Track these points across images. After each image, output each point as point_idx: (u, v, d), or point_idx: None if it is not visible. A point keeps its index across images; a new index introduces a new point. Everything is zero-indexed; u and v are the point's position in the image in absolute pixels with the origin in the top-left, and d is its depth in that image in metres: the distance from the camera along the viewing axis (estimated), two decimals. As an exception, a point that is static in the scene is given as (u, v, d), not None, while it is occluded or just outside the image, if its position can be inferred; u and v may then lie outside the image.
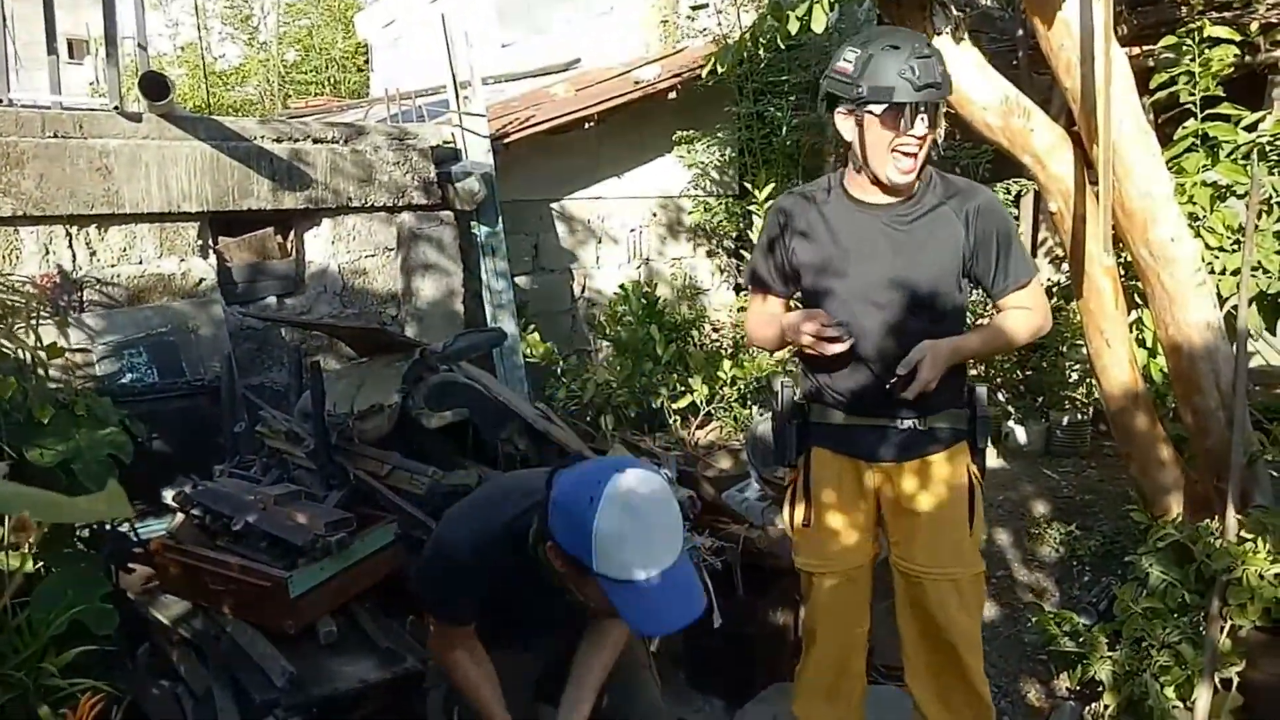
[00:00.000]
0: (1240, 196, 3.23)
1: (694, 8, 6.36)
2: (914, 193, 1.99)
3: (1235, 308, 2.77)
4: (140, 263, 3.43)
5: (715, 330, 5.73)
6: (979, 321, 3.71)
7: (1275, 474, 2.94)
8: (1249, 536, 2.42)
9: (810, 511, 2.15)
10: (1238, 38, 3.39)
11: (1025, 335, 2.08)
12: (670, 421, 4.83)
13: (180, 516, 2.65)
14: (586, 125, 5.11)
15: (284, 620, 2.36)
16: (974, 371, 2.19)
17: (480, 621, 1.71)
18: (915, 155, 1.90)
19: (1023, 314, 2.03)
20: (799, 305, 2.19)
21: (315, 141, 3.87)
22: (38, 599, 2.24)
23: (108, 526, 2.84)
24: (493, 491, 1.73)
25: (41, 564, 2.36)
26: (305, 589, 2.38)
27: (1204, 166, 3.33)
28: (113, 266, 3.36)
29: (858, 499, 2.12)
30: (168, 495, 2.79)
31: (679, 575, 1.36)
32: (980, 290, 2.12)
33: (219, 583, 2.44)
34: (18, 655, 2.11)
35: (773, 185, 5.02)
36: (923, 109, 1.85)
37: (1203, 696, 2.30)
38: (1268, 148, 3.23)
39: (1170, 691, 2.39)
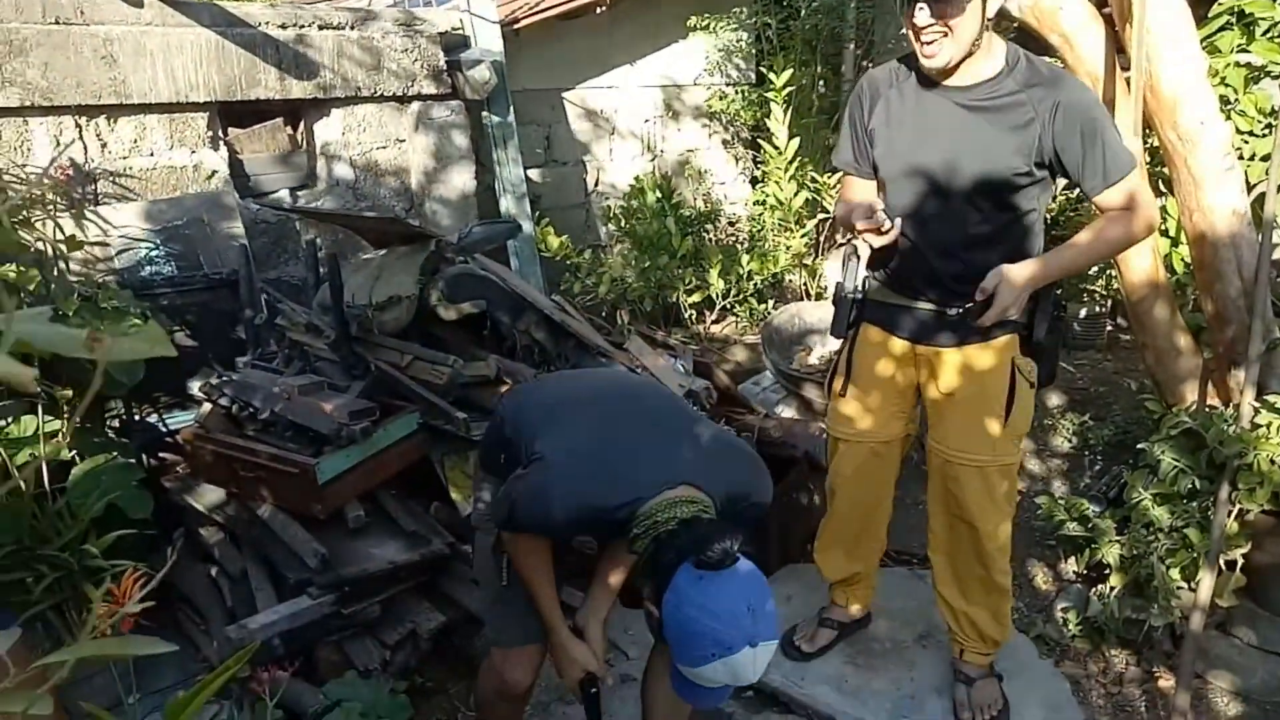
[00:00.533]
0: (1275, 77, 3.12)
1: (710, -118, 6.05)
2: (995, 76, 1.94)
3: (1264, 195, 2.72)
4: (151, 155, 3.39)
5: (731, 224, 5.66)
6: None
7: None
8: (1262, 423, 2.44)
9: (848, 383, 2.22)
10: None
11: (1122, 240, 1.96)
12: (686, 315, 4.83)
13: (208, 406, 2.71)
14: (598, 10, 4.93)
15: (313, 505, 2.43)
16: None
17: None
18: (933, 42, 1.87)
19: (1117, 221, 1.93)
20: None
21: (321, 27, 3.77)
22: (74, 485, 2.32)
23: (137, 417, 2.92)
24: (614, 458, 1.65)
25: (75, 453, 2.43)
26: (332, 475, 2.45)
27: (1239, 46, 3.21)
28: (124, 159, 3.33)
29: (897, 377, 2.17)
30: (194, 386, 2.83)
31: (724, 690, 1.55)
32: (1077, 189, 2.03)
33: (249, 470, 2.51)
34: (60, 538, 2.20)
35: (790, 72, 4.87)
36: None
37: (1207, 577, 2.36)
38: (1308, 26, 3.10)
39: (1176, 573, 2.46)
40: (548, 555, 1.76)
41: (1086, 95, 1.95)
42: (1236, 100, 3.17)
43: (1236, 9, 3.18)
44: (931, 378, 2.13)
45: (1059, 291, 2.13)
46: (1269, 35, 3.12)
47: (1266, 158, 2.90)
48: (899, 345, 2.14)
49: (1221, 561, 2.42)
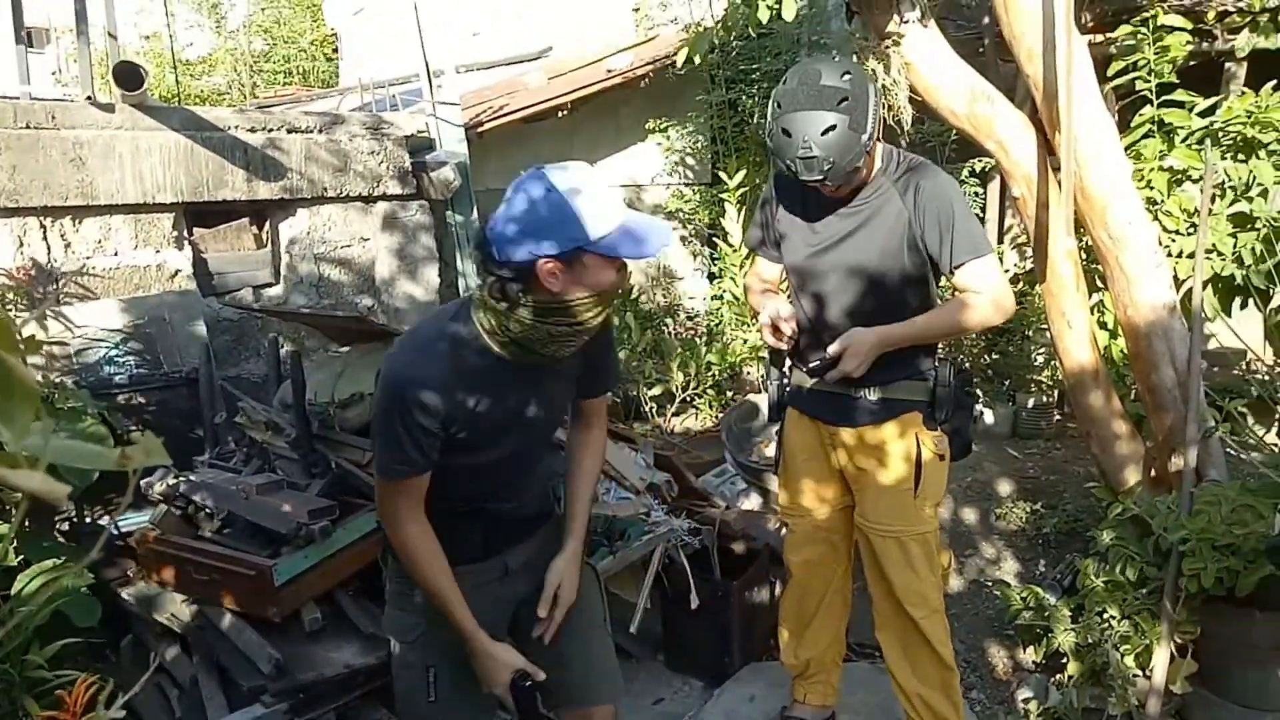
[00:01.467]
0: (1196, 181, 3.33)
1: (665, -5, 6.38)
2: (873, 175, 2.11)
3: (1191, 290, 2.86)
4: (116, 254, 3.42)
5: (690, 318, 5.78)
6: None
7: (1231, 451, 3.05)
8: (1203, 509, 2.52)
9: (781, 464, 2.39)
10: (1189, 26, 3.48)
11: (970, 319, 2.10)
12: (646, 409, 4.88)
13: (163, 508, 2.67)
14: (560, 114, 5.13)
15: (269, 608, 2.39)
16: (942, 353, 2.31)
17: (438, 467, 1.60)
18: (838, 193, 2.08)
19: (966, 299, 2.08)
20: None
21: (290, 131, 3.87)
22: (19, 592, 2.26)
23: (89, 519, 2.86)
24: (415, 326, 1.71)
25: (21, 558, 2.38)
26: (289, 577, 2.41)
27: (1161, 152, 3.43)
28: (88, 258, 3.35)
29: (820, 456, 2.31)
30: (149, 487, 2.80)
31: (640, 218, 1.50)
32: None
33: (203, 572, 2.46)
34: (2, 648, 2.13)
35: (744, 173, 5.06)
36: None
37: (1160, 663, 2.40)
38: (1220, 133, 3.33)
39: (1130, 660, 2.49)
40: (433, 537, 1.63)
41: (943, 179, 2.11)
42: (1162, 202, 3.37)
43: (1157, 119, 3.41)
44: (844, 455, 2.26)
45: (960, 368, 2.26)
46: (1187, 143, 3.34)
47: (1192, 255, 3.06)
48: (814, 426, 2.30)
49: (1173, 647, 2.46)
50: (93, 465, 0.52)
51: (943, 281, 2.21)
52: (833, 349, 2.03)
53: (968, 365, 4.92)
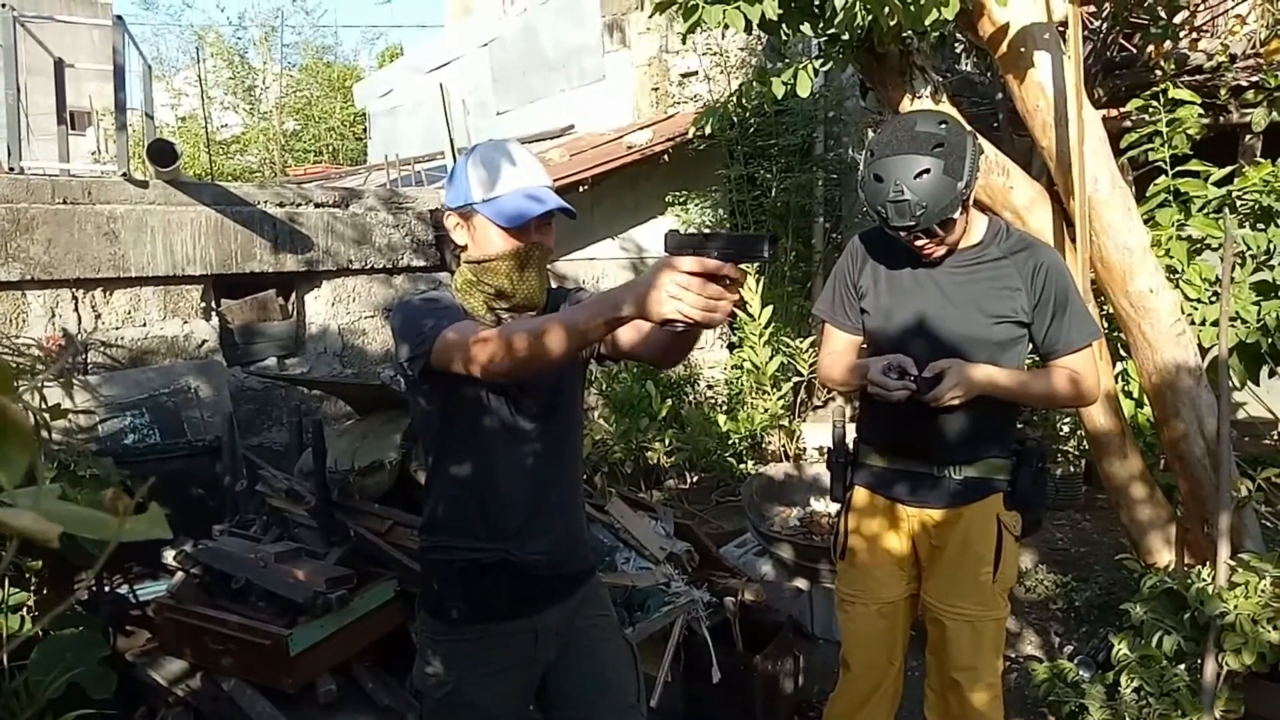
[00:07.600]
0: (1215, 249, 3.33)
1: (684, 75, 6.57)
2: (980, 241, 2.03)
3: (1217, 358, 2.84)
4: (144, 325, 3.49)
5: (709, 388, 5.78)
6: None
7: (1267, 523, 2.97)
8: (1240, 581, 2.45)
9: (847, 546, 2.24)
10: (1198, 100, 3.52)
11: (1066, 394, 2.04)
12: (665, 477, 4.85)
13: (180, 576, 2.66)
14: (581, 189, 5.23)
15: (283, 679, 2.36)
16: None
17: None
18: (930, 251, 1.98)
19: (1067, 374, 2.03)
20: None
21: (315, 206, 3.97)
22: (36, 661, 2.24)
23: (107, 588, 2.85)
24: None
25: (38, 629, 2.37)
26: (305, 647, 2.38)
27: (1177, 221, 3.43)
28: (117, 329, 3.41)
29: (892, 538, 2.18)
30: (168, 555, 2.79)
31: (540, 190, 1.60)
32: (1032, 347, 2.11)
33: (218, 642, 2.44)
34: (14, 719, 2.11)
35: (762, 245, 5.12)
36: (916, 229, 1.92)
37: (1201, 743, 2.31)
38: (1237, 202, 3.34)
39: (1170, 739, 2.39)
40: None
41: (1062, 262, 2.07)
42: (1182, 270, 3.36)
43: (1172, 188, 3.43)
44: (922, 536, 2.15)
45: (1040, 446, 2.18)
46: (1204, 211, 3.35)
47: (1216, 323, 3.04)
48: (888, 507, 2.18)
49: (1215, 727, 2.36)
50: (88, 533, 0.51)
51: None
52: (935, 366, 1.92)
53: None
